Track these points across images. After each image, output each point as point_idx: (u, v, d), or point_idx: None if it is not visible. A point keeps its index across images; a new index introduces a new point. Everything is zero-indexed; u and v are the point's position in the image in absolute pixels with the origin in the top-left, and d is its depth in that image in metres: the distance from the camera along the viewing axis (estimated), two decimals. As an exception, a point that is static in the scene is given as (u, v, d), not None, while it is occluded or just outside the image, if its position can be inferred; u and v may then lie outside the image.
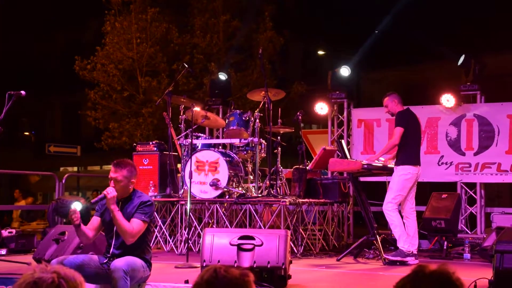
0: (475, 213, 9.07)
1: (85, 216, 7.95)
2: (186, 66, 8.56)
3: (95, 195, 15.27)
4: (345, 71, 9.84)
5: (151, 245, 4.82)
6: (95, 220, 4.72)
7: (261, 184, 8.03)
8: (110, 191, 4.46)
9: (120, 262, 4.39)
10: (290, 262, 5.01)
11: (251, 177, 8.06)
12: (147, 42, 17.36)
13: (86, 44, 21.45)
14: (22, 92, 5.65)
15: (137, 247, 4.57)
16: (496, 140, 8.91)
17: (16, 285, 1.85)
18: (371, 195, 7.88)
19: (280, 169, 8.20)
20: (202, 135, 8.53)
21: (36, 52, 26.98)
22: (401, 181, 6.72)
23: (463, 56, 9.09)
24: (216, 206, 7.76)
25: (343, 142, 7.66)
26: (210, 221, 8.05)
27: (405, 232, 6.68)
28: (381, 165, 7.06)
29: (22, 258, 6.64)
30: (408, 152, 6.76)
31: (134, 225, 4.48)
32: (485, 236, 7.89)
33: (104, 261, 4.60)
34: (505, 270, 4.11)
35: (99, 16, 18.26)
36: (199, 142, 8.08)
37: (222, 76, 10.81)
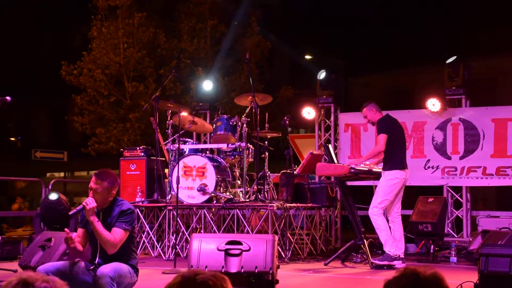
0: (461, 217, 9.13)
1: (56, 208, 7.87)
2: (173, 71, 8.57)
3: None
4: (322, 75, 9.89)
5: (137, 251, 4.80)
6: (80, 232, 4.69)
7: (248, 189, 8.03)
8: (89, 202, 4.42)
9: (107, 269, 4.36)
10: (278, 267, 5.02)
11: (239, 182, 8.06)
12: (134, 47, 17.33)
13: (72, 49, 21.35)
14: (8, 98, 5.61)
15: (122, 255, 4.54)
16: (481, 144, 8.98)
17: (3, 284, 1.87)
18: (358, 199, 7.91)
19: (267, 174, 8.21)
20: (190, 140, 8.52)
21: (22, 57, 26.80)
22: (388, 186, 6.75)
23: (455, 57, 9.14)
24: (204, 211, 7.75)
25: (330, 146, 7.69)
26: (198, 226, 8.04)
27: (391, 236, 6.72)
28: (367, 169, 7.10)
29: (8, 265, 6.58)
30: (394, 157, 6.81)
31: (116, 235, 4.45)
32: (471, 239, 7.94)
33: (91, 268, 4.58)
34: (490, 273, 4.14)
35: (85, 21, 18.20)
36: (186, 147, 8.07)
37: (207, 86, 10.50)
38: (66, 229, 4.50)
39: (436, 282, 1.88)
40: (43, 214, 8.18)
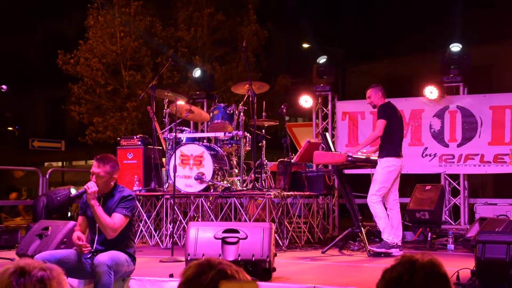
0: (458, 204, 9.15)
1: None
2: (170, 59, 8.53)
3: None
4: (322, 59, 9.86)
5: (135, 239, 4.81)
6: (80, 219, 4.71)
7: (246, 177, 8.02)
8: (91, 186, 4.45)
9: (104, 257, 4.37)
10: (275, 255, 5.02)
11: (236, 171, 8.05)
12: (130, 36, 17.25)
13: (69, 38, 21.27)
14: (4, 86, 5.59)
15: (120, 242, 4.55)
16: (479, 131, 8.98)
17: (0, 272, 1.86)
18: (355, 187, 7.91)
19: (265, 162, 8.20)
20: (187, 129, 8.50)
21: (18, 46, 26.70)
22: (385, 173, 6.75)
23: (460, 45, 9.09)
24: (201, 200, 7.75)
25: (328, 134, 7.68)
26: (195, 215, 8.04)
27: (389, 224, 6.72)
28: (364, 157, 7.09)
29: (5, 254, 6.58)
30: (391, 144, 6.79)
31: (116, 220, 4.46)
32: (468, 227, 7.96)
33: (88, 256, 4.59)
34: (487, 260, 4.15)
35: (81, 9, 18.10)
36: (183, 136, 8.05)
37: (196, 73, 10.67)
38: (77, 236, 4.52)
39: (433, 269, 1.87)
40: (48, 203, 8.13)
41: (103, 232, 4.51)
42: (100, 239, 4.57)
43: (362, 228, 6.90)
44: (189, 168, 7.62)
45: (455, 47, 9.10)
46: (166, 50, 17.51)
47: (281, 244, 7.29)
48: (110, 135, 17.40)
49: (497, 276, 4.09)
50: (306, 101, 10.03)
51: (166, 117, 8.09)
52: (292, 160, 8.24)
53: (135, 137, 8.52)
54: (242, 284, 1.42)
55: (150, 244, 7.76)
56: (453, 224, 8.99)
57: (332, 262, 6.39)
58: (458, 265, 4.58)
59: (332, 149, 7.38)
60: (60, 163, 28.28)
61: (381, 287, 1.91)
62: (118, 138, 8.75)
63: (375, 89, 7.00)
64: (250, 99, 7.75)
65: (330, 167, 8.44)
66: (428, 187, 8.14)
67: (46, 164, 27.23)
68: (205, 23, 17.75)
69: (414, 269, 1.86)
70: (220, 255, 4.74)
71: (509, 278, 4.03)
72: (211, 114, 8.14)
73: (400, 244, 6.72)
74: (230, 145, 7.96)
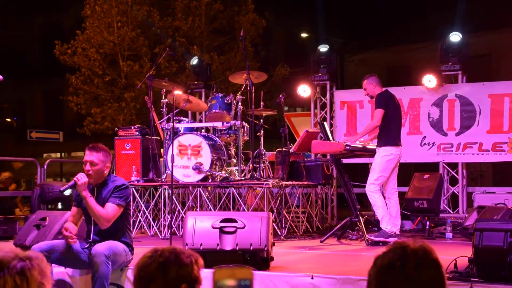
0: (457, 193, 9.15)
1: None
2: (167, 49, 8.49)
3: None
4: (323, 48, 9.82)
5: (132, 229, 4.80)
6: (74, 210, 4.69)
7: (244, 167, 8.01)
8: (81, 177, 4.42)
9: (102, 247, 4.36)
10: (273, 244, 5.02)
11: (234, 161, 8.04)
12: (128, 26, 17.17)
13: (66, 28, 21.17)
14: (0, 76, 5.56)
15: (117, 232, 4.54)
16: (478, 120, 8.97)
17: None
18: (354, 176, 7.90)
19: (263, 152, 8.18)
20: (184, 119, 8.47)
21: (16, 36, 26.59)
22: (384, 162, 6.74)
23: (459, 34, 9.06)
24: (200, 190, 7.74)
25: (326, 124, 7.65)
26: (193, 205, 8.03)
27: (387, 213, 6.72)
28: (362, 146, 7.08)
29: (3, 244, 6.59)
30: (389, 133, 6.78)
31: (109, 210, 4.45)
32: (466, 215, 7.96)
33: (86, 246, 4.58)
34: (485, 248, 4.14)
35: (79, -1, 18.02)
36: (181, 126, 8.02)
37: (193, 61, 10.71)
38: (65, 226, 4.51)
39: (424, 255, 1.86)
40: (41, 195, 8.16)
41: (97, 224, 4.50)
42: (96, 230, 4.56)
43: (360, 217, 6.91)
44: (187, 158, 7.60)
45: (455, 36, 9.06)
46: (164, 40, 17.44)
47: (279, 233, 7.29)
48: (108, 126, 17.36)
49: (495, 264, 4.08)
50: (304, 90, 10.00)
51: (164, 107, 8.06)
52: (290, 150, 8.22)
53: (133, 127, 8.49)
54: (234, 271, 1.41)
55: (149, 234, 7.76)
56: (452, 212, 8.99)
57: (330, 251, 6.40)
58: (456, 254, 4.58)
59: (331, 138, 7.36)
60: (58, 154, 28.25)
61: (372, 274, 1.90)
62: (116, 129, 8.73)
63: (369, 80, 6.98)
64: (248, 88, 7.72)
65: (328, 157, 8.42)
66: (426, 176, 8.13)
67: (44, 155, 27.21)
68: (203, 12, 17.66)
69: (405, 255, 1.85)
70: (218, 244, 4.74)
71: (506, 265, 4.03)
72: (209, 104, 8.12)
73: (398, 233, 6.73)
74: (228, 135, 7.94)
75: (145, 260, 1.96)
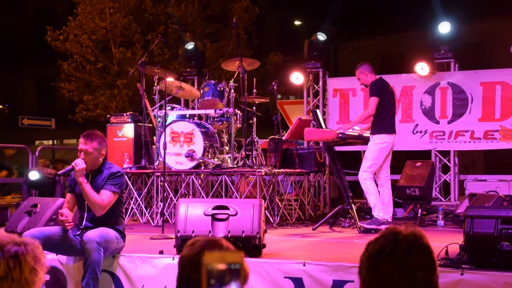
0: (449, 181, 9.19)
1: (41, 185, 7.86)
2: (160, 36, 8.44)
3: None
4: (321, 37, 9.80)
5: (125, 217, 4.80)
6: (69, 197, 4.69)
7: (236, 154, 8.01)
8: (79, 163, 4.41)
9: (93, 234, 4.36)
10: (265, 231, 5.02)
11: (227, 148, 8.03)
12: (120, 12, 17.04)
13: (58, 14, 21.00)
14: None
15: (109, 218, 4.54)
16: (470, 108, 8.99)
17: None
18: (346, 164, 7.91)
19: (255, 140, 8.17)
20: (177, 106, 8.45)
21: (7, 23, 26.35)
22: (377, 149, 6.74)
23: (448, 23, 9.06)
24: (192, 177, 7.73)
25: (319, 111, 7.65)
26: (186, 192, 8.03)
27: (380, 200, 6.73)
28: (356, 134, 7.08)
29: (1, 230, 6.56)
30: (383, 121, 6.77)
31: (104, 197, 4.44)
32: (458, 203, 8.00)
33: (77, 233, 4.57)
34: (475, 235, 4.17)
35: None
36: (174, 113, 8.00)
37: (190, 46, 10.71)
38: (60, 211, 4.49)
39: (416, 240, 1.87)
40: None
41: (91, 210, 4.49)
42: (89, 216, 4.55)
43: (352, 205, 6.93)
44: (180, 145, 7.58)
45: (444, 26, 9.05)
46: (156, 27, 17.33)
47: (272, 221, 7.30)
48: (100, 113, 17.29)
49: (485, 250, 4.11)
50: (297, 78, 9.99)
51: (156, 94, 8.02)
52: (283, 138, 8.22)
53: (125, 114, 8.46)
54: (225, 254, 1.41)
55: (141, 221, 7.76)
56: (443, 200, 9.04)
57: (323, 238, 6.42)
58: (447, 241, 4.60)
59: (323, 126, 7.35)
60: (50, 141, 28.14)
61: (364, 259, 1.91)
62: (108, 116, 8.69)
63: (360, 69, 6.97)
64: (241, 76, 7.69)
65: (321, 144, 8.43)
66: (418, 164, 8.15)
67: (36, 142, 27.10)
68: (195, -1, 17.57)
69: (397, 241, 1.86)
70: (210, 231, 4.74)
71: (497, 252, 4.06)
72: (201, 91, 8.09)
73: (390, 220, 6.75)
74: (220, 122, 7.93)
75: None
